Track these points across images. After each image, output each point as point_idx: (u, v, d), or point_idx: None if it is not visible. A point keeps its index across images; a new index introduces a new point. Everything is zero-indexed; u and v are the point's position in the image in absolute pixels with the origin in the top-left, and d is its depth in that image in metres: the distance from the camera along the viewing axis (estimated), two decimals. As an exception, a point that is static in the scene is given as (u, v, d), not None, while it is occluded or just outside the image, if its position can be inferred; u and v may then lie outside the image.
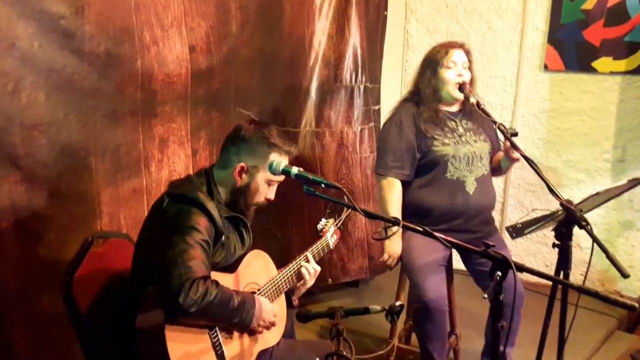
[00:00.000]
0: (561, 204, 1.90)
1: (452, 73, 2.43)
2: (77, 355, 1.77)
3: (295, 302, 1.98)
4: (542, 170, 2.07)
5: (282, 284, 1.89)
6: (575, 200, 2.01)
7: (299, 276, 1.94)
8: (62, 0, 1.94)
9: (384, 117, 3.83)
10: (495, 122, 2.19)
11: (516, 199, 3.91)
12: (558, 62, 3.63)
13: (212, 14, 2.55)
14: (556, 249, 1.96)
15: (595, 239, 1.84)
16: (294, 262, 1.94)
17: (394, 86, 4.18)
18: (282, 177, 1.81)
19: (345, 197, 1.63)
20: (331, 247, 2.12)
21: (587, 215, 1.94)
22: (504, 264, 1.42)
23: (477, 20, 3.88)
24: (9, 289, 1.93)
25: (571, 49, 3.58)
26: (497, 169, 2.61)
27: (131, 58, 2.21)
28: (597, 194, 2.05)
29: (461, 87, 2.42)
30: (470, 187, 2.48)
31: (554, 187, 1.93)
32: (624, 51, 3.44)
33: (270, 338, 1.87)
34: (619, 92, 3.52)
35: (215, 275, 1.67)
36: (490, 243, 1.47)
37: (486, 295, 1.43)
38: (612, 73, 3.51)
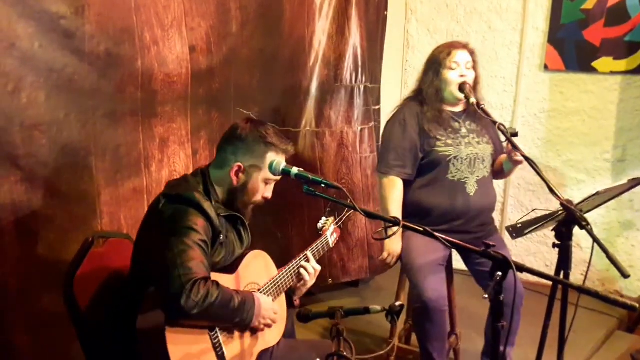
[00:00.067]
0: (561, 204, 1.89)
1: (455, 74, 2.43)
2: (77, 355, 1.77)
3: (297, 302, 1.98)
4: (543, 170, 2.07)
5: (282, 283, 1.89)
6: (576, 200, 2.01)
7: (299, 276, 1.94)
8: (62, 1, 1.94)
9: (384, 117, 3.83)
10: (495, 122, 2.19)
11: (516, 198, 3.91)
12: (558, 62, 3.63)
13: (212, 14, 2.55)
14: (556, 249, 1.96)
15: (595, 239, 1.84)
16: (294, 262, 1.94)
17: (394, 86, 4.18)
18: (279, 176, 1.81)
19: (345, 197, 1.63)
20: (331, 246, 2.12)
21: (588, 215, 1.94)
22: (504, 264, 1.42)
23: (478, 20, 3.88)
24: (9, 288, 1.93)
25: (571, 48, 3.58)
26: (499, 172, 2.61)
27: (131, 58, 2.21)
28: (597, 194, 2.05)
29: (461, 87, 2.42)
30: (471, 188, 2.48)
31: (554, 187, 1.93)
32: (624, 51, 3.44)
33: (270, 338, 1.87)
34: (619, 92, 3.52)
35: (215, 276, 1.67)
36: (491, 243, 1.47)
37: (486, 295, 1.43)
38: (612, 73, 3.51)
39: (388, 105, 3.93)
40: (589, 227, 1.87)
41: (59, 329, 1.94)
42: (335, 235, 2.15)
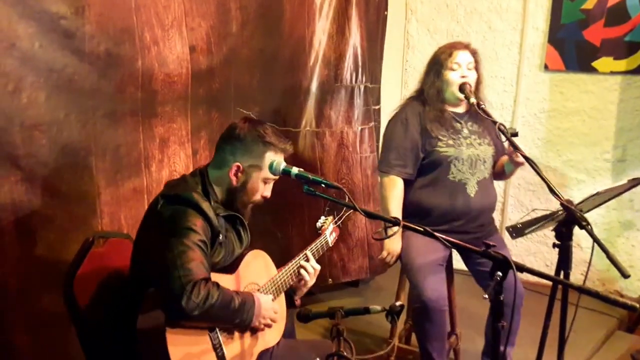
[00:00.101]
0: (561, 204, 1.89)
1: (456, 74, 2.43)
2: (77, 356, 1.77)
3: (298, 302, 1.98)
4: (543, 170, 2.07)
5: (282, 283, 1.89)
6: (576, 200, 2.01)
7: (299, 275, 1.93)
8: (62, 1, 1.95)
9: (384, 117, 3.84)
10: (495, 122, 2.19)
11: (516, 198, 3.91)
12: (558, 62, 3.63)
13: (212, 14, 2.55)
14: (556, 249, 1.96)
15: (595, 239, 1.84)
16: (294, 261, 1.94)
17: (394, 86, 4.18)
18: (278, 175, 1.81)
19: (345, 197, 1.63)
20: (330, 245, 2.12)
21: (588, 215, 1.94)
22: (504, 264, 1.42)
23: (478, 20, 3.87)
24: (9, 288, 1.93)
25: (571, 48, 3.58)
26: (500, 173, 2.61)
27: (131, 58, 2.21)
28: (598, 193, 2.05)
29: (461, 88, 2.42)
30: (472, 189, 2.49)
31: (554, 187, 1.93)
32: (624, 51, 3.44)
33: (270, 338, 1.87)
34: (619, 92, 3.52)
35: (215, 276, 1.67)
36: (491, 243, 1.47)
37: (486, 295, 1.43)
38: (612, 73, 3.51)
39: (388, 105, 3.93)
40: (589, 227, 1.87)
41: (59, 329, 1.94)
42: (334, 235, 2.15)
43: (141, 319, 1.59)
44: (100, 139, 2.16)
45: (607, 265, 1.92)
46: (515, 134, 2.18)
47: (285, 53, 3.08)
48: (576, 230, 1.92)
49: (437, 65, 2.48)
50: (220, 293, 1.59)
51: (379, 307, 1.59)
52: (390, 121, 2.60)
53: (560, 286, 1.80)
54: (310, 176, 1.69)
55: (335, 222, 2.17)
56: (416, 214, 2.51)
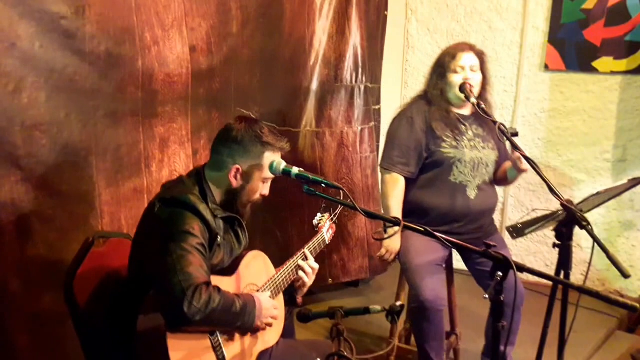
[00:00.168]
0: (562, 204, 1.89)
1: (459, 77, 2.43)
2: (77, 356, 1.77)
3: (299, 300, 1.98)
4: (543, 170, 2.07)
5: (281, 282, 1.89)
6: (576, 200, 2.01)
7: (298, 275, 1.93)
8: (63, 1, 1.95)
9: (385, 117, 3.85)
10: (495, 122, 2.19)
11: (516, 198, 3.91)
12: (558, 61, 3.63)
13: (212, 14, 2.55)
14: (556, 249, 1.96)
15: (595, 239, 1.84)
16: (292, 260, 1.94)
17: (395, 86, 4.18)
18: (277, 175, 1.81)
19: (346, 197, 1.63)
20: (327, 242, 2.12)
21: (588, 215, 1.94)
22: (505, 264, 1.42)
23: (478, 20, 3.88)
24: (9, 288, 1.93)
25: (572, 48, 3.58)
26: (503, 179, 2.60)
27: (132, 58, 2.21)
28: (598, 193, 2.04)
29: (461, 87, 2.42)
30: (472, 192, 2.49)
31: (554, 187, 1.93)
32: (625, 51, 3.44)
33: (270, 338, 1.87)
34: (620, 91, 3.52)
35: (214, 279, 1.66)
36: (491, 243, 1.47)
37: (487, 295, 1.43)
38: (612, 73, 3.51)
39: (388, 105, 3.95)
40: (589, 227, 1.87)
41: (59, 328, 1.94)
42: (331, 232, 2.16)
43: (142, 319, 1.59)
44: (101, 139, 2.16)
45: (607, 265, 1.92)
46: (516, 134, 2.18)
47: (286, 53, 3.08)
48: (576, 230, 1.92)
49: (440, 67, 2.48)
50: (221, 297, 1.58)
51: (379, 307, 1.59)
52: (395, 118, 2.60)
53: (560, 286, 1.80)
54: (310, 176, 1.69)
55: (332, 219, 2.17)
56: (416, 213, 2.51)
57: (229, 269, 1.80)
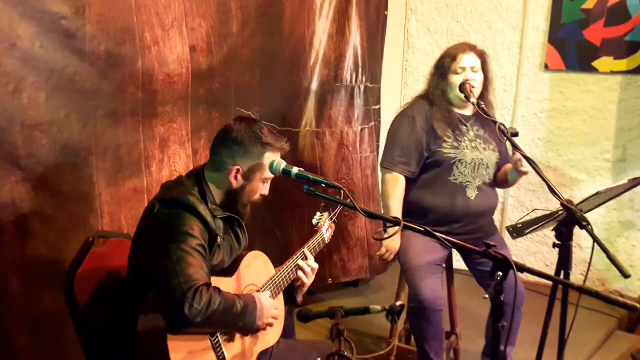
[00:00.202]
0: (562, 204, 1.89)
1: (460, 78, 2.43)
2: (77, 356, 1.77)
3: (299, 300, 1.98)
4: (543, 170, 2.07)
5: (281, 282, 1.89)
6: (576, 200, 2.01)
7: (298, 275, 1.93)
8: (63, 1, 1.94)
9: (385, 117, 3.85)
10: (495, 122, 2.19)
11: (517, 198, 3.91)
12: (559, 61, 3.64)
13: (212, 14, 2.55)
14: (557, 249, 1.96)
15: (596, 239, 1.84)
16: (292, 260, 1.94)
17: (395, 86, 4.18)
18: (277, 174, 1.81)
19: (346, 197, 1.63)
20: (327, 242, 2.12)
21: (588, 215, 1.94)
22: (505, 264, 1.42)
23: (478, 19, 3.88)
24: (9, 288, 1.93)
25: (572, 48, 3.58)
26: (504, 182, 2.60)
27: (132, 58, 2.21)
28: (598, 193, 2.04)
29: (461, 87, 2.42)
30: (472, 192, 2.49)
31: (554, 187, 1.93)
32: (625, 51, 3.44)
33: (270, 338, 1.87)
34: (620, 91, 3.52)
35: (215, 280, 1.66)
36: (491, 243, 1.47)
37: (487, 296, 1.43)
38: (612, 73, 3.51)
39: (388, 105, 3.95)
40: (590, 227, 1.87)
41: (60, 329, 1.94)
42: (330, 231, 2.16)
43: (142, 320, 1.59)
44: (101, 139, 2.16)
45: (607, 265, 1.92)
46: (516, 134, 2.18)
47: (286, 53, 3.08)
48: (576, 230, 1.92)
49: (441, 68, 2.49)
50: (222, 298, 1.58)
51: (379, 307, 1.59)
52: (396, 118, 2.60)
53: (560, 286, 1.80)
54: (310, 176, 1.69)
55: (331, 218, 2.17)
56: (416, 213, 2.51)
57: (229, 270, 1.79)
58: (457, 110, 2.52)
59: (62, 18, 1.95)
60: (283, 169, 1.75)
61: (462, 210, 2.48)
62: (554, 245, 1.96)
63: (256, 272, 1.87)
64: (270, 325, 1.80)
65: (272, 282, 1.87)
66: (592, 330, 3.17)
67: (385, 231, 2.44)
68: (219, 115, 2.70)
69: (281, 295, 1.92)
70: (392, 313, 1.58)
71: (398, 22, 4.08)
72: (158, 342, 1.55)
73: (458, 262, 2.71)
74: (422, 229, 1.56)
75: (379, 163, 2.66)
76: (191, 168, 2.52)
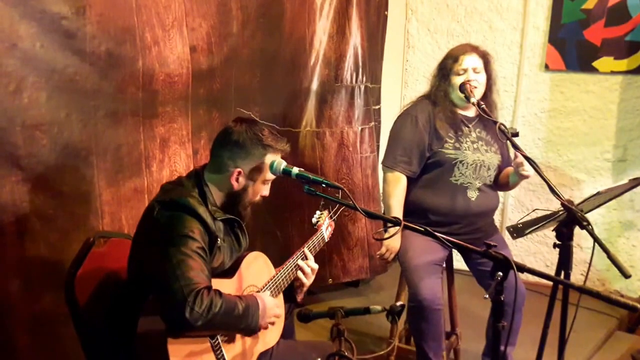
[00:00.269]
0: (562, 204, 1.89)
1: (462, 79, 2.43)
2: (77, 356, 1.77)
3: (299, 299, 1.98)
4: (543, 170, 2.07)
5: (281, 282, 1.89)
6: (576, 200, 2.01)
7: (297, 275, 1.93)
8: (63, 1, 1.95)
9: (385, 117, 3.85)
10: (495, 122, 2.19)
11: (517, 198, 3.91)
12: (559, 61, 3.64)
13: (213, 14, 2.55)
14: (557, 249, 1.96)
15: (596, 239, 1.84)
16: (292, 260, 1.93)
17: (395, 86, 4.18)
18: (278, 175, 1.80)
19: (346, 196, 1.63)
20: (326, 240, 2.12)
21: (588, 215, 1.94)
22: (505, 264, 1.42)
23: (478, 19, 3.88)
24: (10, 289, 1.93)
25: (572, 48, 3.58)
26: (505, 184, 2.60)
27: (132, 58, 2.21)
28: (598, 193, 2.04)
29: (462, 87, 2.42)
30: (473, 193, 2.49)
31: (554, 187, 1.93)
32: (625, 51, 3.44)
33: (270, 338, 1.87)
34: (620, 91, 3.52)
35: (215, 281, 1.65)
36: (492, 243, 1.47)
37: (487, 296, 1.43)
38: (613, 73, 3.51)
39: (388, 105, 3.95)
40: (590, 227, 1.87)
41: (60, 329, 1.94)
42: (330, 229, 2.16)
43: (142, 320, 1.59)
44: (101, 139, 2.16)
45: (607, 265, 1.92)
46: (516, 134, 2.18)
47: (286, 53, 3.08)
48: (576, 230, 1.92)
49: (443, 69, 2.49)
50: (223, 301, 1.56)
51: (379, 307, 1.59)
52: (399, 117, 2.60)
53: (560, 286, 1.80)
54: (310, 176, 1.69)
55: (331, 217, 2.17)
56: (416, 213, 2.51)
57: (230, 271, 1.79)
58: (460, 112, 2.52)
59: (63, 18, 1.95)
60: (283, 169, 1.75)
61: (463, 211, 2.48)
62: (554, 245, 1.96)
63: (256, 272, 1.86)
64: (273, 324, 1.80)
65: (272, 282, 1.87)
66: (592, 330, 3.17)
67: (386, 231, 2.44)
68: (219, 115, 2.70)
69: (281, 295, 1.92)
70: (392, 313, 1.58)
71: (398, 22, 4.08)
72: (158, 343, 1.54)
73: (458, 262, 2.71)
74: (422, 229, 1.56)
75: (380, 162, 2.65)
76: (191, 168, 2.52)
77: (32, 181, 1.94)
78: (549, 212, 2.00)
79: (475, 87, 2.42)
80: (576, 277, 3.50)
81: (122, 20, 2.16)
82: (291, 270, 1.92)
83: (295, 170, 1.72)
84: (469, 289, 2.76)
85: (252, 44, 2.82)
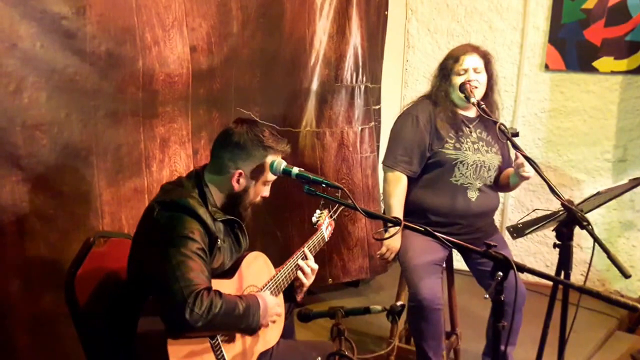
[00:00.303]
0: (562, 204, 1.89)
1: (462, 79, 2.43)
2: (77, 356, 1.77)
3: (300, 299, 1.98)
4: (543, 170, 2.07)
5: (281, 282, 1.89)
6: (576, 200, 2.01)
7: (297, 275, 1.93)
8: (63, 1, 1.95)
9: (385, 117, 3.85)
10: (495, 122, 2.19)
11: (517, 199, 3.91)
12: (559, 61, 3.64)
13: (213, 14, 2.56)
14: (557, 249, 1.96)
15: (596, 239, 1.84)
16: (292, 260, 1.93)
17: (395, 86, 4.18)
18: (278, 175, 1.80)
19: (346, 196, 1.63)
20: (326, 240, 2.12)
21: (588, 215, 1.94)
22: (505, 264, 1.42)
23: (478, 19, 3.88)
24: (10, 288, 1.93)
25: (572, 48, 3.58)
26: (505, 185, 2.60)
27: (132, 58, 2.21)
28: (598, 193, 2.04)
29: (461, 87, 2.42)
30: (473, 194, 2.49)
31: (554, 187, 1.93)
32: (625, 51, 3.44)
33: (270, 338, 1.87)
34: (620, 91, 3.52)
35: (215, 282, 1.65)
36: (492, 243, 1.47)
37: (487, 295, 1.44)
38: (613, 73, 3.51)
39: (388, 105, 3.95)
40: (590, 227, 1.87)
41: (60, 329, 1.94)
42: (330, 229, 2.16)
43: (142, 321, 1.59)
44: (101, 139, 2.16)
45: (607, 265, 1.92)
46: (516, 134, 2.18)
47: (286, 53, 3.08)
48: (576, 230, 1.92)
49: (444, 70, 2.49)
50: (223, 302, 1.56)
51: (379, 307, 1.59)
52: (400, 117, 2.60)
53: (560, 286, 1.80)
54: (310, 176, 1.69)
55: (331, 216, 2.17)
56: (416, 213, 2.51)
57: (230, 271, 1.79)
58: (460, 112, 2.52)
59: (63, 18, 1.95)
60: (283, 169, 1.75)
61: (463, 211, 2.48)
62: (554, 246, 1.96)
63: (256, 272, 1.87)
64: (274, 322, 1.80)
65: (273, 282, 1.87)
66: (592, 330, 3.17)
67: (386, 231, 2.45)
68: (219, 115, 2.70)
69: (281, 295, 1.92)
70: (393, 313, 1.58)
71: (398, 22, 4.08)
72: (158, 343, 1.54)
73: (458, 262, 2.71)
74: (422, 229, 1.56)
75: (381, 161, 2.65)
76: (191, 168, 2.52)
77: (32, 181, 1.94)
78: (549, 212, 2.00)
79: (476, 87, 2.42)
80: (576, 277, 3.51)
81: (122, 20, 2.16)
82: (291, 270, 1.92)
83: (295, 170, 1.72)
84: (469, 289, 2.76)
85: (252, 44, 2.82)
